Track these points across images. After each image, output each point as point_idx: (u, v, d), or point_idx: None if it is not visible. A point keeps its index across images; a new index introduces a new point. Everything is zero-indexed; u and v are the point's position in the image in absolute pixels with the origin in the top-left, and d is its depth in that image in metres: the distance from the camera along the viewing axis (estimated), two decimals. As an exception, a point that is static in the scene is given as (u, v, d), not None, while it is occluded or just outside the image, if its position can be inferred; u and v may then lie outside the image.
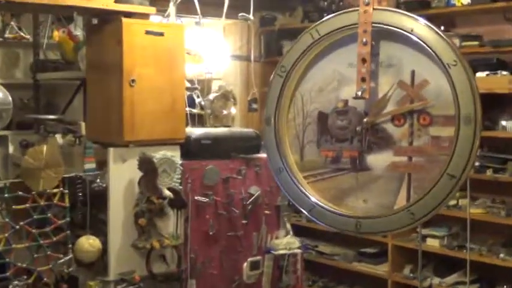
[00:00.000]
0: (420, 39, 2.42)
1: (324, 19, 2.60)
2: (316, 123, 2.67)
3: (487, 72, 5.08)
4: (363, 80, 2.50)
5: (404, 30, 2.45)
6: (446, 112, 2.41)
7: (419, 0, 5.61)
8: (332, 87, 2.63)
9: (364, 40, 2.49)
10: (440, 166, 2.38)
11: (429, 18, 5.42)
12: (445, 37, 2.41)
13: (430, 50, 2.40)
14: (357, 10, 2.51)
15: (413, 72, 2.49)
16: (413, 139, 2.49)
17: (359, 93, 2.50)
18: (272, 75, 2.68)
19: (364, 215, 2.53)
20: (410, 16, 2.49)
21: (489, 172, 5.13)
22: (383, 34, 2.51)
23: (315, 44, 2.62)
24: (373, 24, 2.49)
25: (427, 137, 2.47)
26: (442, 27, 5.47)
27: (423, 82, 2.46)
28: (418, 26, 2.44)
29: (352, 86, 2.54)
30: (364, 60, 2.50)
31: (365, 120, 2.54)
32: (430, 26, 2.44)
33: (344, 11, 2.57)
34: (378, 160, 2.54)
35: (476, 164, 5.21)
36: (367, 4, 2.48)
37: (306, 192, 2.63)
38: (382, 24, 2.48)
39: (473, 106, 2.34)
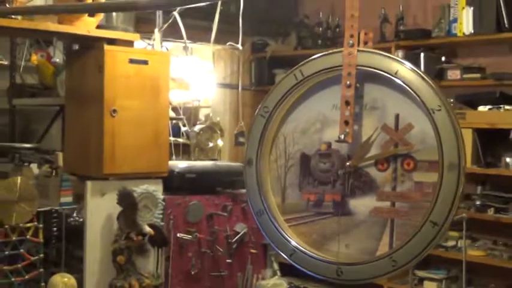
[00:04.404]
0: (404, 83, 2.55)
1: (307, 60, 2.72)
2: (298, 165, 2.77)
3: (490, 107, 5.24)
4: (346, 123, 2.61)
5: (389, 73, 2.57)
6: (431, 157, 2.52)
7: (419, 29, 5.79)
8: (315, 129, 2.74)
9: (348, 83, 2.61)
10: (423, 213, 2.49)
11: (430, 48, 5.72)
12: (429, 81, 2.53)
13: (414, 94, 2.53)
14: (341, 51, 2.65)
15: (397, 116, 2.60)
16: (397, 184, 2.59)
17: (342, 136, 2.62)
18: (254, 116, 2.81)
19: (345, 261, 2.63)
20: (395, 59, 2.65)
21: (491, 212, 5.26)
22: (367, 76, 2.63)
23: (298, 85, 2.74)
24: (358, 67, 2.61)
25: (411, 183, 2.57)
26: (443, 58, 5.68)
27: (407, 126, 2.57)
28: (402, 69, 2.56)
29: (336, 129, 2.65)
30: (347, 103, 2.61)
31: (348, 163, 2.64)
32: (414, 70, 2.56)
33: (328, 52, 2.71)
34: (361, 204, 2.64)
35: (478, 202, 5.37)
36: (352, 46, 2.63)
37: (287, 236, 2.72)
38: (367, 66, 2.61)
39: (457, 153, 2.45)
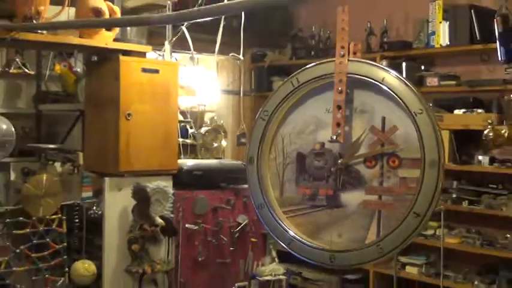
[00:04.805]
0: (390, 89, 2.52)
1: (303, 68, 2.69)
2: (295, 162, 2.73)
3: (464, 110, 5.25)
4: (338, 125, 2.59)
5: (376, 80, 2.55)
6: (414, 155, 2.49)
7: (401, 41, 5.79)
8: (310, 130, 2.71)
9: (340, 89, 2.59)
10: (407, 205, 2.46)
11: (411, 58, 5.71)
12: (412, 87, 2.50)
13: (399, 99, 2.50)
14: (333, 61, 2.62)
15: (384, 119, 2.57)
16: (384, 180, 2.56)
17: (334, 137, 2.59)
18: (255, 119, 2.79)
19: (337, 249, 2.61)
20: (382, 67, 2.61)
21: (465, 204, 5.27)
22: (357, 83, 2.60)
23: (295, 91, 2.71)
24: (348, 74, 2.59)
25: (396, 178, 2.53)
26: (423, 67, 5.67)
27: (393, 128, 2.55)
28: (388, 77, 2.53)
29: (329, 130, 2.63)
30: (339, 107, 2.59)
31: (339, 161, 2.62)
32: (399, 77, 2.53)
33: (321, 61, 2.68)
34: (351, 198, 2.61)
35: (454, 195, 5.37)
36: (343, 56, 2.61)
37: (285, 227, 2.69)
38: (356, 74, 2.58)
39: (437, 151, 2.43)
